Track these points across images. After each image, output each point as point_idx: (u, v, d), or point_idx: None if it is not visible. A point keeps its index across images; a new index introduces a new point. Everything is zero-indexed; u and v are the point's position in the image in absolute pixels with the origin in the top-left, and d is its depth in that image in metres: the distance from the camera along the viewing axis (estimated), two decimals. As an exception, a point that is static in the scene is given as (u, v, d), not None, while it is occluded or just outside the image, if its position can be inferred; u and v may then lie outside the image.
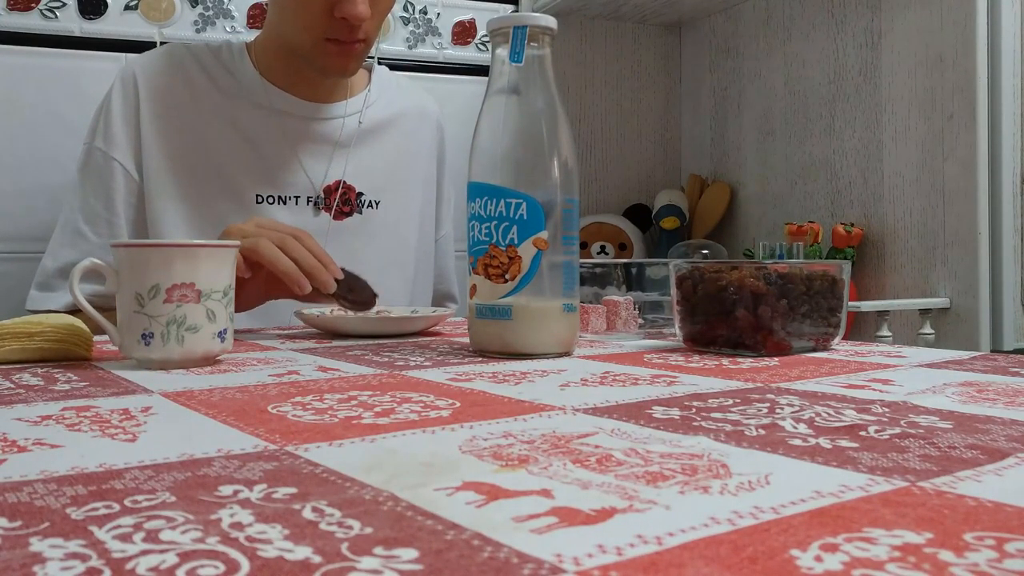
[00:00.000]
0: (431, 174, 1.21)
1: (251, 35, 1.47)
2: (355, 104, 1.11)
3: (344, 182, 1.08)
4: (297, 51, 1.00)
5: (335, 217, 1.07)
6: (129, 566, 0.22)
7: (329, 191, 1.07)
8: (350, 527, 0.25)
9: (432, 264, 1.23)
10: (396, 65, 1.46)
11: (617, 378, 0.54)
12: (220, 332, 0.62)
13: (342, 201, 1.08)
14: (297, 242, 0.80)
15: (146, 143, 1.02)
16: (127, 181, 1.01)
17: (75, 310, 0.88)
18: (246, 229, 0.81)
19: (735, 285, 0.64)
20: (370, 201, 1.10)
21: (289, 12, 0.97)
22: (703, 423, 0.39)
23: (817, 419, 0.40)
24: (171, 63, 1.05)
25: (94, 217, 1.00)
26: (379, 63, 1.18)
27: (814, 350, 0.67)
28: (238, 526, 0.25)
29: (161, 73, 1.04)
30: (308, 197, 1.06)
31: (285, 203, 1.04)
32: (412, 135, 1.17)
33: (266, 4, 1.47)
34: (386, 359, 0.64)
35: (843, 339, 0.71)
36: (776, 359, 0.62)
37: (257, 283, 0.83)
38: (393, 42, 1.61)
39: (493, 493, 0.28)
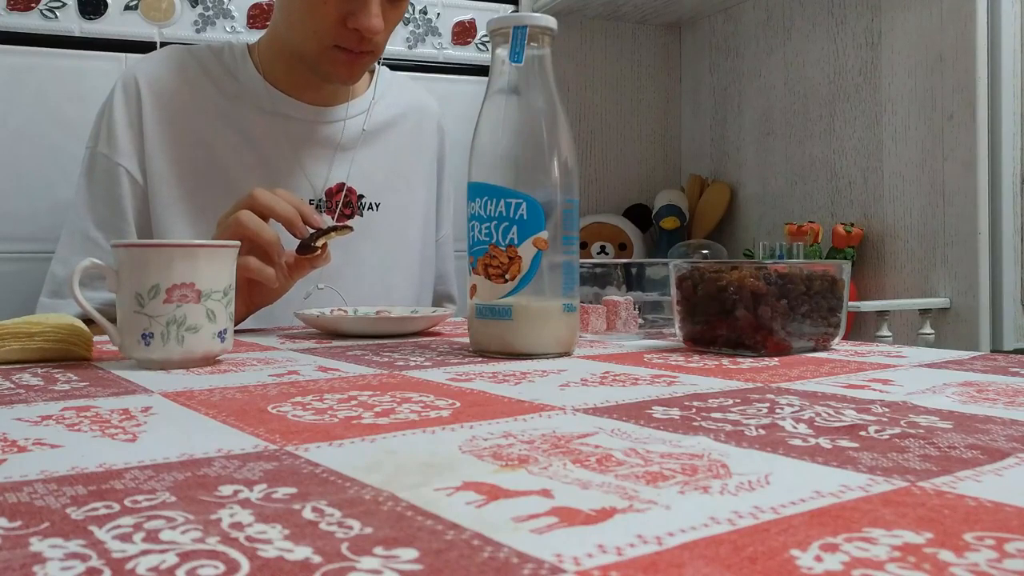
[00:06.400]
0: (432, 174, 1.21)
1: (251, 35, 1.47)
2: (357, 106, 1.11)
3: (346, 185, 1.08)
4: (303, 57, 1.00)
5: (337, 220, 1.07)
6: (129, 566, 0.22)
7: (331, 194, 1.07)
8: (350, 527, 0.25)
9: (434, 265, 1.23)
10: (396, 65, 1.46)
11: (617, 378, 0.54)
12: (220, 332, 0.62)
13: (343, 204, 1.08)
14: (271, 194, 0.82)
15: (149, 147, 1.01)
16: (132, 186, 1.01)
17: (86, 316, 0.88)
18: (229, 216, 0.83)
19: (735, 285, 0.64)
20: (371, 203, 1.10)
21: (298, 18, 0.97)
22: (703, 423, 0.39)
23: (817, 419, 0.40)
24: (173, 65, 1.05)
25: (103, 222, 1.00)
26: (379, 63, 1.17)
27: (814, 350, 0.67)
28: (238, 526, 0.25)
29: (163, 76, 1.04)
30: (310, 200, 1.06)
31: None
32: (413, 136, 1.17)
33: (267, 4, 1.47)
34: (386, 359, 0.64)
35: (843, 339, 0.71)
36: (776, 359, 0.62)
37: (238, 293, 0.84)
38: (393, 42, 1.61)
39: (493, 493, 0.28)
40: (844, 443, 0.35)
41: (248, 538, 0.24)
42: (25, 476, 0.31)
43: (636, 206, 1.87)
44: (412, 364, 0.61)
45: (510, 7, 1.73)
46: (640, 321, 0.81)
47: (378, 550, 0.23)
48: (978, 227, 1.32)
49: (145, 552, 0.23)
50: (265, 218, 0.82)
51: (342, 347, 0.73)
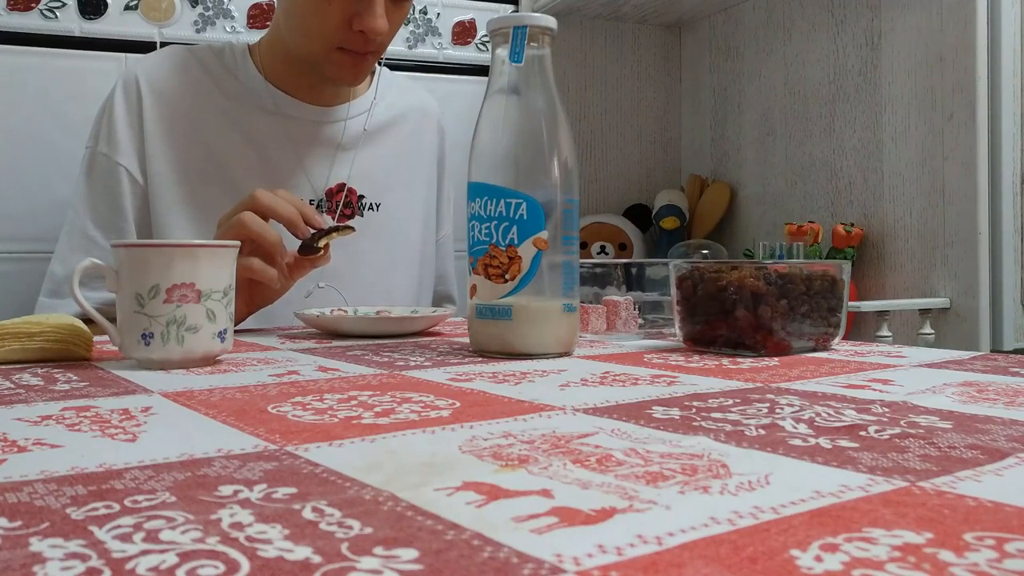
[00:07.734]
0: (432, 174, 1.21)
1: (251, 35, 1.47)
2: (358, 107, 1.11)
3: (346, 185, 1.08)
4: (306, 59, 1.00)
5: (337, 220, 1.07)
6: (129, 566, 0.22)
7: (331, 194, 1.07)
8: (350, 527, 0.25)
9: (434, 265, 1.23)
10: (396, 65, 1.46)
11: (617, 378, 0.54)
12: (220, 332, 0.62)
13: (344, 204, 1.08)
14: (272, 195, 0.82)
15: (150, 146, 1.01)
16: (132, 185, 1.01)
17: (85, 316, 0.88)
18: (231, 218, 0.83)
19: (735, 285, 0.64)
20: (371, 203, 1.10)
21: (302, 20, 0.97)
22: (703, 423, 0.39)
23: (817, 419, 0.40)
24: (174, 65, 1.05)
25: (103, 221, 1.00)
26: (380, 63, 1.17)
27: (814, 350, 0.67)
28: (238, 526, 0.25)
29: (164, 75, 1.04)
30: (310, 200, 1.06)
31: None
32: (413, 136, 1.18)
33: (267, 4, 1.47)
34: (386, 359, 0.64)
35: (843, 339, 0.71)
36: (776, 359, 0.62)
37: (239, 292, 0.84)
38: (393, 42, 1.60)
39: (493, 493, 0.28)
40: (844, 443, 0.35)
41: (248, 538, 0.24)
42: (25, 476, 0.31)
43: (636, 206, 1.87)
44: (412, 364, 0.61)
45: (510, 7, 1.73)
46: (640, 321, 0.81)
47: (378, 550, 0.23)
48: (978, 227, 1.32)
49: (145, 552, 0.23)
50: (266, 219, 0.82)
51: (342, 347, 0.73)
